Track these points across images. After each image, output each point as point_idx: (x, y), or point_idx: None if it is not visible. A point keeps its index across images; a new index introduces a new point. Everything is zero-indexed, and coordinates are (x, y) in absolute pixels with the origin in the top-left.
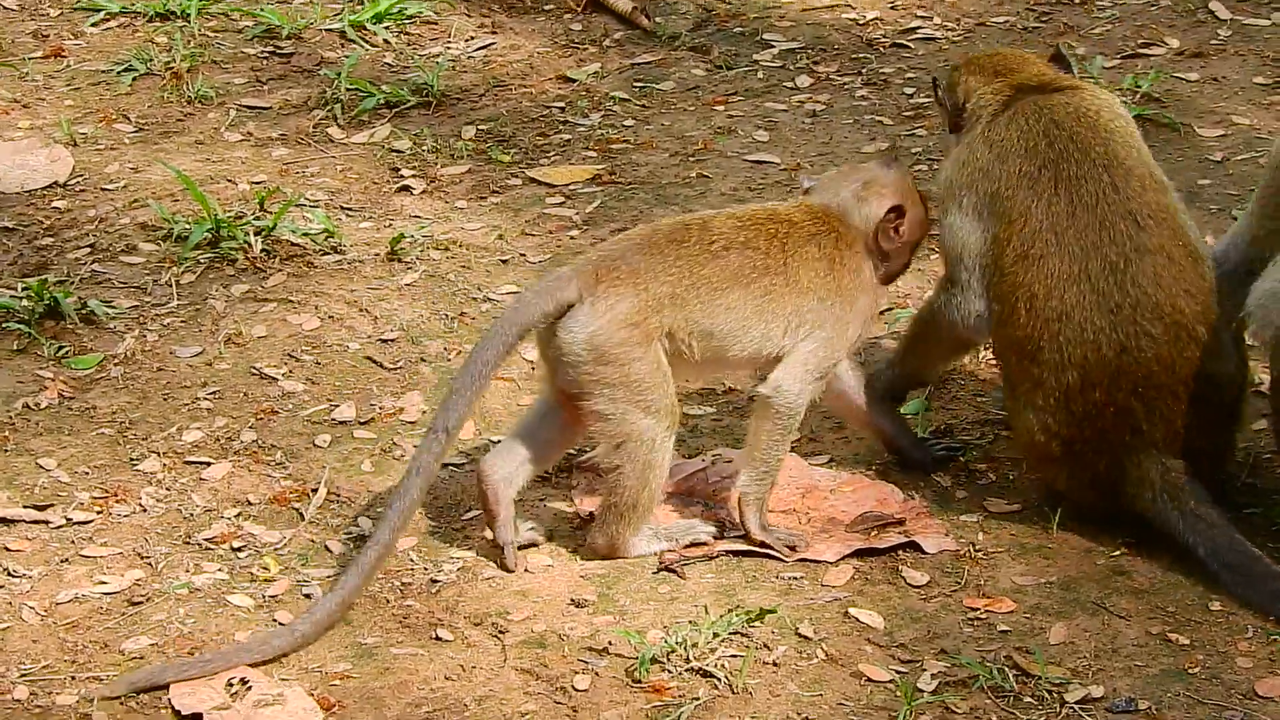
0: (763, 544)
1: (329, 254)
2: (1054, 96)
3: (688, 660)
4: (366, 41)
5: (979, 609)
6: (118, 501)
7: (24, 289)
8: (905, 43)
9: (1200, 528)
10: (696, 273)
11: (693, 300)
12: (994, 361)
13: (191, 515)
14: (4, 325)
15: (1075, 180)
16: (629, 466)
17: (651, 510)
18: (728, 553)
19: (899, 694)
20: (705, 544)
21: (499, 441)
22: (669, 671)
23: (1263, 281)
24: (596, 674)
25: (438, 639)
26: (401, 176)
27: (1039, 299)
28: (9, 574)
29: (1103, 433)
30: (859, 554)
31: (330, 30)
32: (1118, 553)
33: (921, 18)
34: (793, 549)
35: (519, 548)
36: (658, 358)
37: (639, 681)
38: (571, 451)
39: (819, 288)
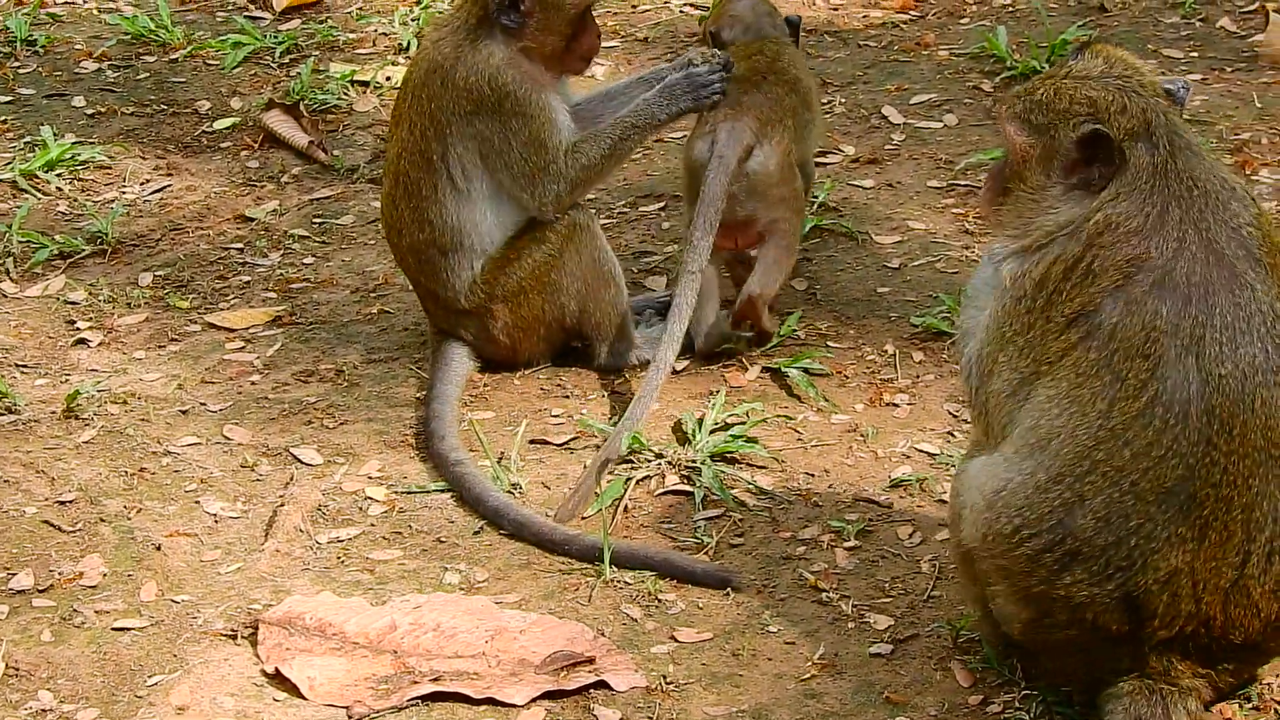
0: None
1: (2, 415)
2: None
3: None
4: (39, 190)
5: None
6: None
7: None
8: None
9: None
10: (783, 103)
11: (790, 121)
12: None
13: None
14: None
15: None
16: (786, 256)
17: (788, 277)
18: (417, 699)
19: None
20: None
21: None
22: None
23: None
24: None
25: None
26: (77, 329)
27: None
28: None
29: None
30: (550, 695)
31: (1, 181)
32: (809, 676)
33: None
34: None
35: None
36: None
37: None
38: (256, 608)
39: (809, 76)
